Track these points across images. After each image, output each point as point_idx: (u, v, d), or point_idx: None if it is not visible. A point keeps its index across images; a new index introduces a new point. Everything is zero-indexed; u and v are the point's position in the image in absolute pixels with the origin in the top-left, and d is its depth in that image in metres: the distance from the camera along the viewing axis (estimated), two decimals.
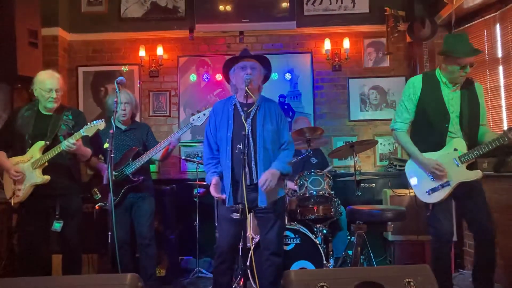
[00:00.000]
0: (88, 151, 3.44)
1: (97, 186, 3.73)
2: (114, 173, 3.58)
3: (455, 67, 2.98)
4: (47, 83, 3.34)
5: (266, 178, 2.86)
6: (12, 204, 3.35)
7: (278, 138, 3.06)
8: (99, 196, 3.72)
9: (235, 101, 3.07)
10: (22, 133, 3.36)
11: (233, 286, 3.64)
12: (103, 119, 3.27)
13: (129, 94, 3.83)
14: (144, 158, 3.66)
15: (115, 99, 3.12)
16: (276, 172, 2.91)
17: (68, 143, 3.19)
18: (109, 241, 2.92)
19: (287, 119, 3.20)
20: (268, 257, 3.02)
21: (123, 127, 3.80)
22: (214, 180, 2.96)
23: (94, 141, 3.55)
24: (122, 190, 3.63)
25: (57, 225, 3.34)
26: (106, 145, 3.03)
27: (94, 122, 3.24)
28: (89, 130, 3.23)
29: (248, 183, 2.91)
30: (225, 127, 3.00)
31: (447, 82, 3.08)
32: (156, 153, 3.70)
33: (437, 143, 3.07)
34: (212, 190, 2.95)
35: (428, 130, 3.11)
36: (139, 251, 3.80)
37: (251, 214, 3.18)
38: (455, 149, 3.02)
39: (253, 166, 2.94)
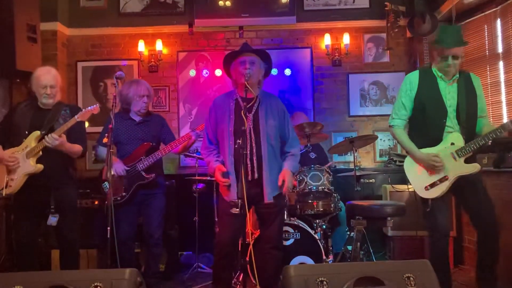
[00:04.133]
0: (76, 147, 3.41)
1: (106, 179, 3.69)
2: (126, 167, 3.56)
3: (438, 59, 3.02)
4: (42, 79, 3.35)
5: (284, 179, 2.94)
6: (4, 194, 3.32)
7: (280, 133, 3.07)
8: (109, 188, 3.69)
9: (236, 96, 3.07)
10: (20, 125, 3.37)
11: (232, 282, 3.64)
12: (97, 104, 3.28)
13: (149, 86, 3.76)
14: (158, 155, 3.60)
15: (114, 94, 3.12)
16: (290, 173, 3.01)
17: (49, 138, 3.16)
18: (108, 236, 2.89)
19: (289, 115, 3.21)
20: (269, 250, 3.04)
21: (137, 119, 3.72)
22: (220, 166, 2.97)
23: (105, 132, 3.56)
24: (133, 187, 3.56)
25: (52, 219, 3.33)
26: (105, 140, 3.02)
27: (89, 107, 3.24)
28: (83, 115, 3.23)
29: (250, 179, 2.92)
30: (226, 122, 3.00)
31: (443, 76, 3.08)
32: (171, 150, 3.64)
33: (435, 139, 3.07)
34: (217, 176, 2.95)
35: (425, 125, 3.11)
36: (146, 248, 3.76)
37: (251, 209, 3.18)
38: (452, 143, 3.02)
39: (254, 161, 2.95)
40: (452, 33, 3.02)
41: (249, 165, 2.94)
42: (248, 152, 2.93)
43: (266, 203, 2.96)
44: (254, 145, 2.95)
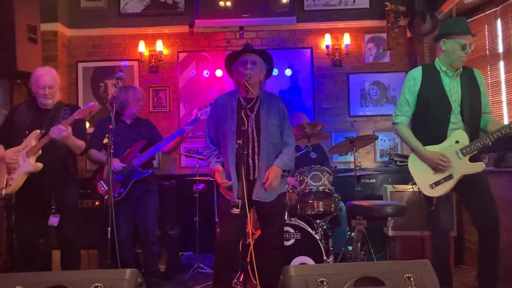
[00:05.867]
0: (81, 143, 3.43)
1: (103, 178, 3.71)
2: (122, 165, 3.60)
3: (456, 47, 2.99)
4: (41, 79, 3.37)
5: (268, 176, 2.89)
6: (4, 193, 3.32)
7: (281, 133, 3.07)
8: (106, 188, 3.69)
9: (238, 95, 3.07)
10: (20, 125, 3.38)
11: (233, 282, 3.64)
12: (96, 102, 3.33)
13: (142, 90, 3.95)
14: (153, 150, 3.68)
15: (114, 94, 3.12)
16: (277, 170, 2.95)
17: (56, 129, 3.19)
18: (109, 237, 2.90)
19: (288, 115, 3.21)
20: (269, 251, 3.03)
21: (128, 121, 3.82)
22: (219, 167, 2.96)
23: (98, 135, 3.64)
24: (131, 183, 3.63)
25: (53, 220, 3.34)
26: (105, 140, 3.02)
27: (87, 105, 3.26)
28: (81, 113, 3.26)
29: (251, 178, 2.92)
30: (228, 121, 3.00)
31: (446, 71, 3.07)
32: (166, 144, 3.73)
33: (439, 135, 3.04)
34: (217, 177, 2.95)
35: (429, 121, 3.08)
36: (143, 247, 3.79)
37: (252, 209, 3.18)
38: (457, 142, 2.99)
39: (256, 161, 2.94)
40: (464, 22, 3.06)
41: (250, 165, 2.94)
42: (250, 151, 2.93)
43: (265, 203, 2.95)
44: (256, 144, 2.95)
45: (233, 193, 2.91)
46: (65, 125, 3.23)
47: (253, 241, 3.39)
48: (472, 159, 2.99)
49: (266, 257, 3.02)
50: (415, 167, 3.12)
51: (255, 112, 3.01)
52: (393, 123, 3.23)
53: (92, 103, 3.28)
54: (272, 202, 2.97)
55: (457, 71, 3.07)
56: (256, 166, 2.95)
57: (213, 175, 3.03)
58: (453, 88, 3.05)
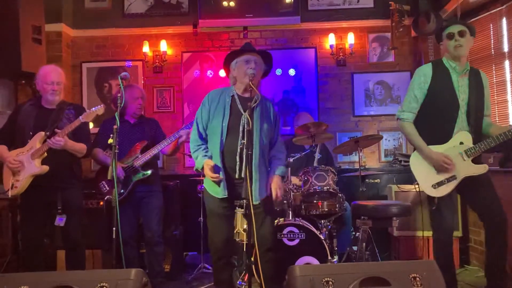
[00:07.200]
0: (80, 146, 3.43)
1: (105, 178, 3.70)
2: (123, 165, 3.61)
3: (446, 41, 3.06)
4: (49, 76, 3.39)
5: (277, 188, 2.97)
6: (10, 195, 3.34)
7: (270, 137, 3.06)
8: (107, 189, 3.70)
9: (233, 93, 3.03)
10: (24, 126, 3.39)
11: (238, 282, 3.63)
12: (102, 104, 3.33)
13: (142, 89, 3.97)
14: (154, 151, 3.68)
15: (119, 94, 3.11)
16: (280, 178, 3.02)
17: (52, 141, 3.20)
18: (114, 237, 2.89)
19: (280, 120, 3.19)
20: (263, 253, 2.93)
21: (132, 121, 3.83)
22: (209, 161, 2.89)
23: (103, 135, 3.63)
24: (131, 183, 3.64)
25: (59, 220, 3.35)
26: (110, 141, 3.02)
27: (93, 108, 3.26)
28: (87, 116, 3.27)
29: (237, 177, 2.90)
30: (220, 117, 2.96)
31: (456, 67, 3.06)
32: (166, 145, 3.72)
33: (444, 134, 3.03)
34: (206, 170, 2.86)
35: (435, 120, 3.07)
36: (147, 247, 3.80)
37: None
38: (461, 143, 2.99)
39: (243, 159, 2.88)
40: (449, 20, 3.08)
41: (237, 162, 2.89)
42: (239, 149, 2.88)
43: (254, 205, 2.88)
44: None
45: (221, 190, 2.89)
46: (63, 134, 3.25)
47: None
48: (475, 161, 2.98)
49: (261, 260, 2.96)
50: (418, 166, 3.11)
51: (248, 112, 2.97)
52: (398, 119, 3.20)
53: (98, 106, 3.28)
54: (259, 204, 2.91)
55: (465, 69, 3.06)
56: (243, 165, 2.86)
57: (200, 169, 2.98)
58: (461, 87, 3.04)
